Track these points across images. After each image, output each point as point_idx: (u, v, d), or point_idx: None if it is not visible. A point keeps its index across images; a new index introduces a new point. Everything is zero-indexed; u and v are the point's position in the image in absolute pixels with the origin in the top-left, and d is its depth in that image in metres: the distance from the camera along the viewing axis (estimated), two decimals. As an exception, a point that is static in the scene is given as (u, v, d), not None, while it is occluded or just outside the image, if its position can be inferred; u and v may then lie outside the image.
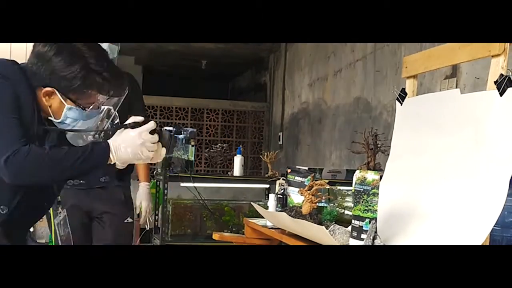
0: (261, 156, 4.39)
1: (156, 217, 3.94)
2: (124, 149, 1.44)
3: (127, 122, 1.49)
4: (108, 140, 1.45)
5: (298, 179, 2.19)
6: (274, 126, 6.76)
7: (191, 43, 6.32)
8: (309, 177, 2.15)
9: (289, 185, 2.24)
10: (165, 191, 3.62)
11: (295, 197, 2.15)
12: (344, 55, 4.67)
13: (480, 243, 1.28)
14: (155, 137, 1.48)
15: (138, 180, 2.74)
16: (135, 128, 1.46)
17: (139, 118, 1.49)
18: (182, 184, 3.66)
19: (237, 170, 3.87)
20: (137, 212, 2.76)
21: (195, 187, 3.57)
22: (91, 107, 1.51)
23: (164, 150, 1.53)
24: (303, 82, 5.72)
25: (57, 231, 2.15)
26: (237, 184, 4.19)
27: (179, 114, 6.86)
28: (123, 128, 1.47)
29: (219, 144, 4.25)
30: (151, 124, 1.48)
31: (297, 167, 2.40)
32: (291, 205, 2.13)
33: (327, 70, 5.05)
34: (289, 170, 2.27)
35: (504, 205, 1.28)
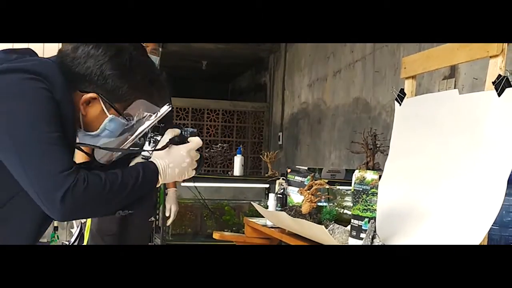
0: (261, 156, 4.39)
1: (157, 216, 3.94)
2: (172, 170, 1.25)
3: (169, 137, 1.28)
4: (155, 160, 1.24)
5: (298, 178, 2.20)
6: (274, 126, 6.76)
7: (192, 44, 6.33)
8: (308, 176, 2.16)
9: (289, 185, 2.24)
10: (166, 190, 3.62)
11: (295, 196, 2.15)
12: (344, 56, 4.67)
13: (478, 242, 1.28)
14: (198, 154, 1.32)
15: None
16: (179, 144, 1.29)
17: (177, 131, 1.30)
18: (182, 184, 3.65)
19: (237, 170, 3.87)
20: (167, 215, 2.96)
21: (195, 186, 3.58)
22: (135, 119, 1.27)
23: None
24: (302, 83, 5.72)
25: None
26: (237, 184, 4.19)
27: (179, 114, 6.86)
28: (168, 146, 1.27)
29: (220, 144, 4.25)
30: (199, 141, 1.31)
31: (297, 167, 2.40)
32: (291, 205, 2.13)
33: (327, 71, 5.05)
34: (289, 170, 2.27)
35: (502, 204, 1.28)
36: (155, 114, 1.28)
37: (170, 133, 1.28)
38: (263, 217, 2.23)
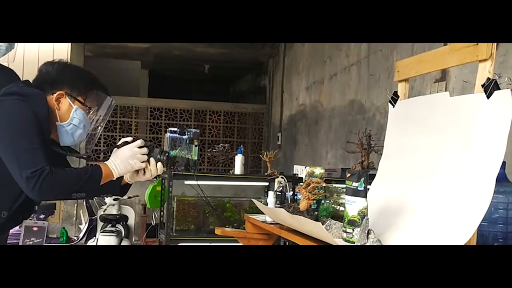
0: (260, 155, 4.38)
1: (162, 213, 3.93)
2: (119, 164, 1.62)
3: (118, 143, 1.66)
4: (107, 162, 1.63)
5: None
6: (273, 127, 6.76)
7: (195, 49, 6.33)
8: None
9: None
10: (170, 188, 3.62)
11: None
12: (340, 60, 4.67)
13: (468, 237, 1.28)
14: (144, 150, 1.65)
15: None
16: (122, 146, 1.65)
17: (129, 138, 1.67)
18: (186, 182, 3.65)
19: (238, 169, 3.86)
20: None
21: (198, 185, 3.57)
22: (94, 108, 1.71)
23: (160, 165, 1.67)
24: (300, 86, 5.71)
25: None
26: (238, 182, 4.19)
27: (183, 115, 6.86)
28: (116, 148, 1.66)
29: (221, 144, 4.24)
30: (139, 142, 1.66)
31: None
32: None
33: (323, 74, 5.05)
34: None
35: (491, 202, 1.28)
36: (104, 105, 1.72)
37: (121, 141, 1.67)
38: (263, 213, 2.22)
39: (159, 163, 1.67)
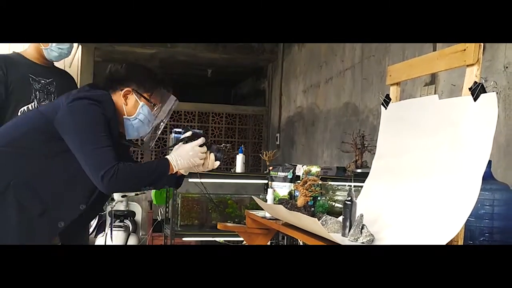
0: (260, 155, 4.37)
1: (167, 209, 3.93)
2: (180, 161, 1.65)
3: (181, 137, 1.69)
4: (168, 157, 1.65)
5: (281, 174, 2.20)
6: (272, 128, 6.75)
7: (198, 54, 6.32)
8: (291, 171, 2.16)
9: (272, 181, 2.24)
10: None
11: (280, 190, 2.17)
12: (335, 65, 4.67)
13: (456, 232, 1.28)
14: (204, 148, 1.68)
15: None
16: (188, 142, 1.67)
17: (189, 133, 1.70)
18: (190, 180, 3.65)
19: (239, 167, 3.86)
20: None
21: (201, 182, 3.56)
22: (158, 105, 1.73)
23: (217, 162, 1.72)
24: (298, 89, 5.71)
25: None
26: (239, 180, 4.18)
27: (187, 117, 6.86)
28: (180, 143, 1.68)
29: (223, 144, 4.22)
30: (200, 140, 1.68)
31: (278, 164, 2.37)
32: (277, 199, 2.13)
33: (320, 78, 5.05)
34: (271, 168, 2.27)
35: (478, 198, 1.28)
36: (168, 103, 1.75)
37: (184, 135, 1.69)
38: (262, 209, 2.22)
39: (217, 161, 1.71)
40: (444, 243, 1.27)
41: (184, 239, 3.99)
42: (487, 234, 1.59)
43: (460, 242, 1.30)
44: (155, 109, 1.72)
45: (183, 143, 1.68)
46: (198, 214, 3.83)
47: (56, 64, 2.38)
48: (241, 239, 2.61)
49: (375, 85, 3.86)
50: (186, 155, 1.65)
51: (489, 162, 1.52)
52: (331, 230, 1.65)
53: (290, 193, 2.16)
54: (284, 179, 2.18)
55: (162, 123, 1.78)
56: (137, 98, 1.68)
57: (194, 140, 1.67)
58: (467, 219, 1.28)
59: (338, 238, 1.54)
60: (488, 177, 1.58)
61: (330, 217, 1.72)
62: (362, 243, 1.46)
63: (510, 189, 1.66)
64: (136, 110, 1.68)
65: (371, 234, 1.47)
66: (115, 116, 1.63)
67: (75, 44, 2.12)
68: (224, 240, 3.83)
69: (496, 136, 1.33)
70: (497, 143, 2.37)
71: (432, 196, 1.45)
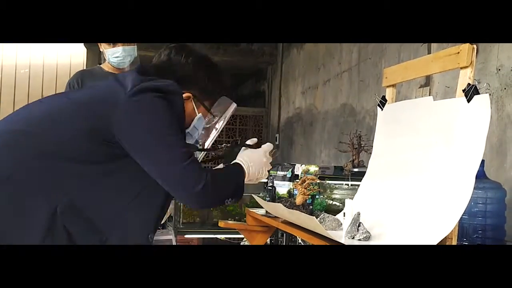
0: (260, 154, 4.38)
1: (170, 207, 3.93)
2: (252, 168, 1.32)
3: (248, 142, 1.38)
4: (239, 161, 1.33)
5: (281, 173, 2.21)
6: (272, 128, 6.76)
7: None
8: (290, 170, 2.16)
9: (274, 179, 2.25)
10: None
11: (281, 189, 2.17)
12: (332, 67, 4.67)
13: (451, 229, 1.28)
14: (270, 158, 1.40)
15: None
16: (255, 148, 1.36)
17: (255, 140, 1.39)
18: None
19: (239, 167, 3.85)
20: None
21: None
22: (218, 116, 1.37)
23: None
24: (296, 90, 5.71)
25: None
26: (240, 179, 4.16)
27: (189, 118, 6.86)
28: (244, 148, 1.35)
29: (224, 144, 4.23)
30: (271, 146, 1.38)
31: (278, 163, 2.39)
32: (277, 196, 2.13)
33: (318, 80, 5.05)
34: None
35: (471, 197, 1.28)
36: (226, 111, 1.38)
37: (249, 141, 1.37)
38: (262, 207, 2.22)
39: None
40: (439, 240, 1.27)
41: (186, 236, 3.99)
42: (480, 231, 1.59)
43: (454, 239, 1.31)
44: (214, 120, 1.39)
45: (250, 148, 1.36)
46: (199, 212, 3.83)
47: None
48: (242, 236, 2.61)
49: (371, 87, 3.86)
50: (259, 162, 1.32)
51: (482, 161, 1.52)
52: (328, 228, 1.65)
53: (289, 192, 2.16)
54: (283, 178, 2.18)
55: (216, 130, 1.47)
56: (195, 107, 1.29)
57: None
58: (461, 217, 1.29)
59: (335, 235, 1.54)
60: (481, 176, 1.58)
61: (328, 214, 1.72)
62: (359, 240, 1.46)
63: (502, 188, 1.66)
64: (190, 122, 1.30)
65: (368, 231, 1.47)
66: (183, 114, 1.24)
67: (121, 45, 2.11)
68: (225, 237, 3.83)
69: (489, 136, 1.33)
70: (490, 143, 2.37)
71: (427, 194, 1.45)
